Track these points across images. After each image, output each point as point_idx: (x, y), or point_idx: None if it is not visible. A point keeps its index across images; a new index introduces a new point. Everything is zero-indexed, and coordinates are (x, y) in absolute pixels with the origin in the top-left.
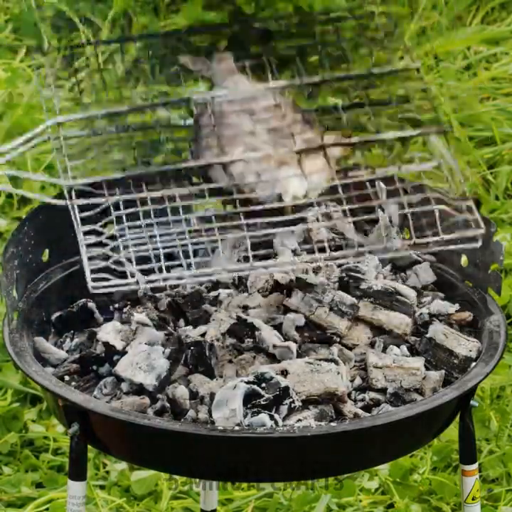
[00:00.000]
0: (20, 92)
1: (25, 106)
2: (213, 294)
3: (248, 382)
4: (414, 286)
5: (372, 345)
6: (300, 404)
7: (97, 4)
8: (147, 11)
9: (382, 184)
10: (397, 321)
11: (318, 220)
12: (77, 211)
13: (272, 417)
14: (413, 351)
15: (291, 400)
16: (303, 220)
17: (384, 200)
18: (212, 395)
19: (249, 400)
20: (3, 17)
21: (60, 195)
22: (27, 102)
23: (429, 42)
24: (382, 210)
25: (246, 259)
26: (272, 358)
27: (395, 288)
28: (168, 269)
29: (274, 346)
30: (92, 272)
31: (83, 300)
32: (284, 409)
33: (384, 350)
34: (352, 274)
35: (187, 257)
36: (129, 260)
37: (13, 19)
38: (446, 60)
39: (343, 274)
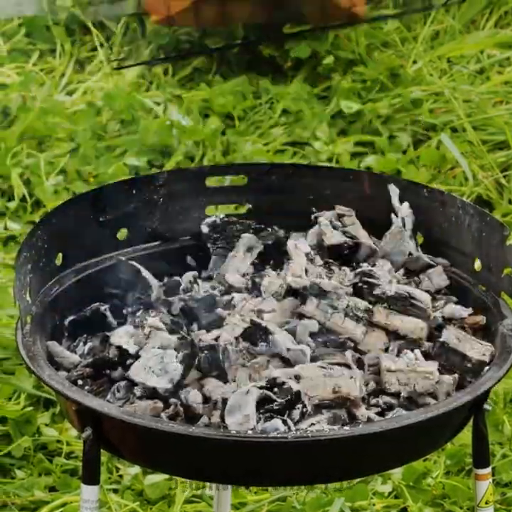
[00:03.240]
0: (33, 96)
1: (38, 110)
2: (227, 298)
3: (261, 388)
4: (428, 290)
5: (386, 350)
6: (311, 408)
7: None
8: None
9: (394, 187)
10: (412, 325)
11: (331, 222)
12: None
13: (285, 422)
14: (427, 355)
15: (302, 404)
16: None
17: None
18: (225, 400)
19: (262, 404)
20: (17, 21)
21: None
22: (40, 106)
23: (442, 46)
24: (396, 215)
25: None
26: (286, 362)
27: (408, 292)
28: None
29: (288, 350)
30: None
31: (96, 304)
32: (296, 413)
33: (398, 354)
34: (366, 279)
35: None
36: None
37: (26, 23)
38: (460, 63)
39: (357, 280)
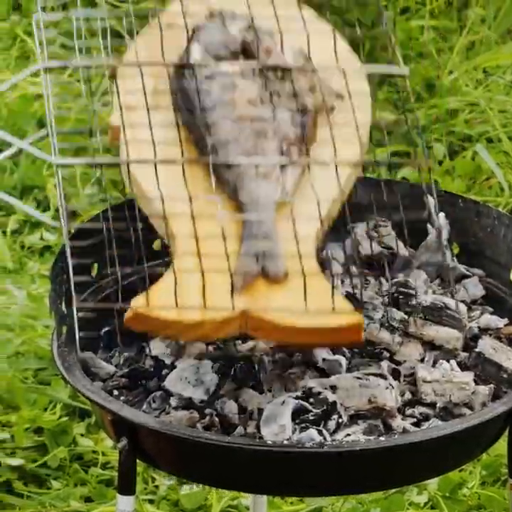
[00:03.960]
0: (68, 107)
1: (74, 120)
2: None
3: (296, 398)
4: (463, 301)
5: (422, 360)
6: (347, 419)
7: (146, 19)
8: None
9: (430, 197)
10: (448, 335)
11: (367, 233)
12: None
13: (320, 432)
14: (462, 366)
15: (338, 415)
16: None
17: None
18: (261, 410)
19: (298, 414)
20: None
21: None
22: (76, 117)
23: (478, 56)
24: (431, 225)
25: None
26: (322, 372)
27: (444, 303)
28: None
29: (324, 360)
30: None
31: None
32: (332, 424)
33: (434, 364)
34: (402, 289)
35: None
36: None
37: (61, 34)
38: (495, 74)
39: (393, 290)
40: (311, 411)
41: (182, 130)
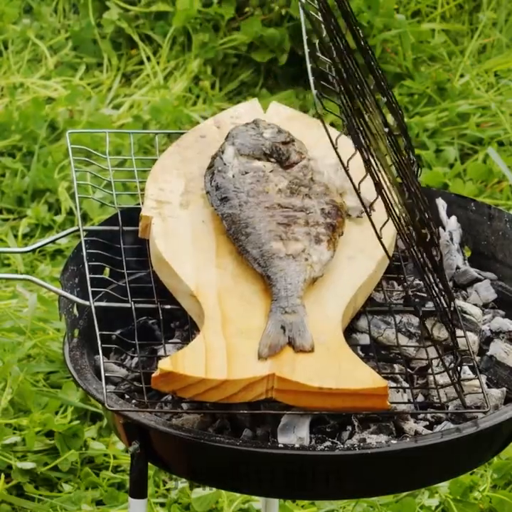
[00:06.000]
0: (80, 109)
1: (85, 123)
2: None
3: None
4: (475, 304)
5: (436, 363)
6: (359, 428)
7: (157, 21)
8: (207, 28)
9: (442, 200)
10: (463, 339)
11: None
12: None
13: (335, 445)
14: (475, 369)
15: (352, 425)
16: None
17: None
18: (274, 415)
19: (315, 423)
20: (63, 34)
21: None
22: (87, 120)
23: (489, 59)
24: (443, 229)
25: None
26: None
27: (460, 306)
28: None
29: None
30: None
31: (143, 318)
32: (345, 434)
33: (447, 368)
34: (417, 293)
35: None
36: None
37: (73, 37)
38: (507, 77)
39: (407, 294)
40: (329, 422)
41: (212, 223)
